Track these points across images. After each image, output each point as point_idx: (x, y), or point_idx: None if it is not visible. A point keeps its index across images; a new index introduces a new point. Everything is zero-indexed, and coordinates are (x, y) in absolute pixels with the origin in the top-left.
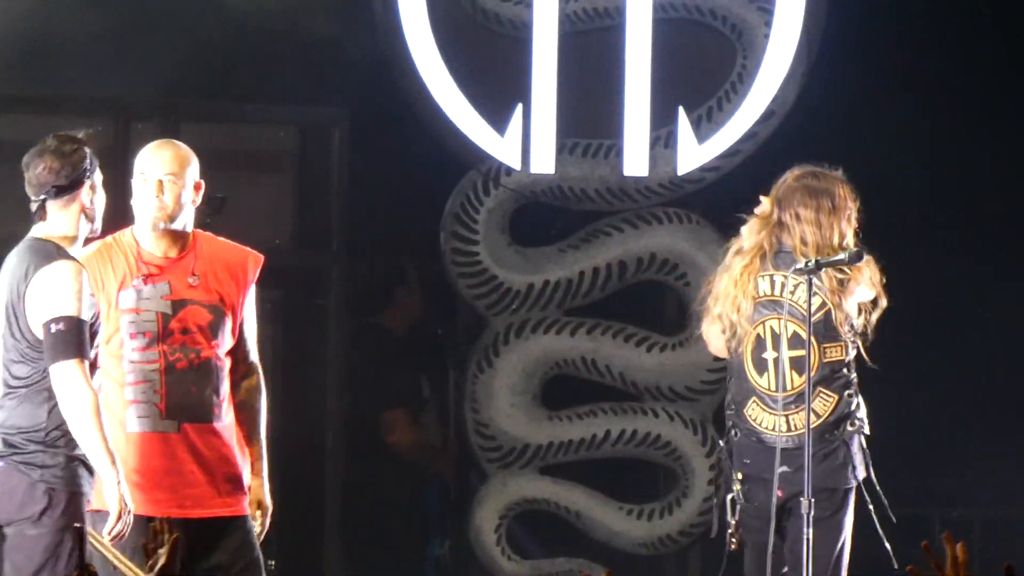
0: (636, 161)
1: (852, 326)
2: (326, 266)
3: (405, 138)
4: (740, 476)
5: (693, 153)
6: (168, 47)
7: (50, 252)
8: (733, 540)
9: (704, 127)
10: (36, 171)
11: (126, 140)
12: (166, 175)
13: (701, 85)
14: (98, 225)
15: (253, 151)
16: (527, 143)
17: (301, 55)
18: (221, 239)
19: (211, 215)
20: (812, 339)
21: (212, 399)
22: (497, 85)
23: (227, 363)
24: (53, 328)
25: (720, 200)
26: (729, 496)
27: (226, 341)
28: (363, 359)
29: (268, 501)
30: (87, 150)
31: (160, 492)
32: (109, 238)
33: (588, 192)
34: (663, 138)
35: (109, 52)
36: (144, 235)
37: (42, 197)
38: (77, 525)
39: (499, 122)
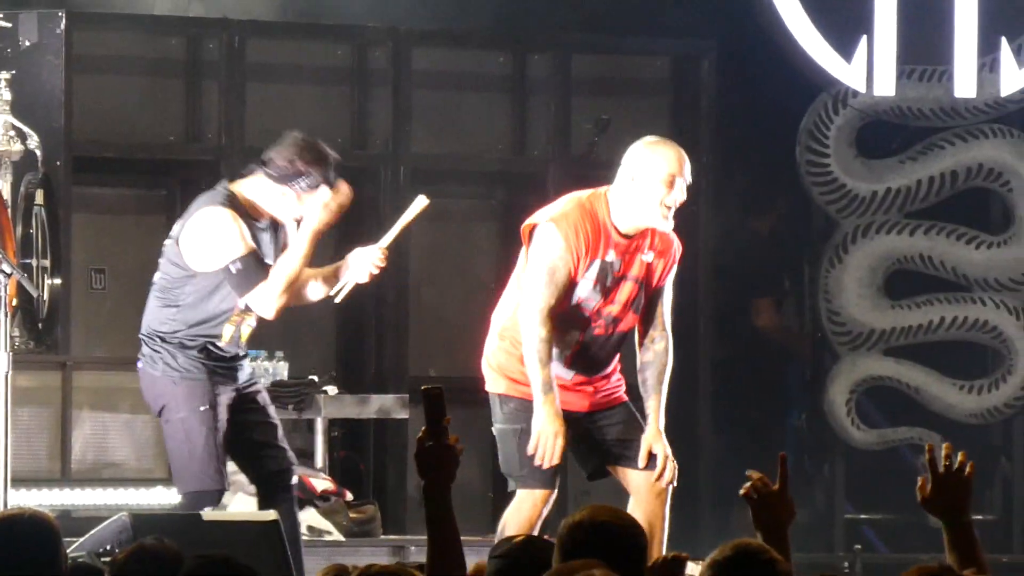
0: (965, 84)
1: None
2: (697, 175)
3: (764, 65)
4: None
5: (1014, 76)
6: None
7: (219, 197)
8: None
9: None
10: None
11: (522, 69)
12: (681, 178)
13: (1020, 17)
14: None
15: (633, 79)
16: (871, 69)
17: None
18: None
19: (597, 134)
20: None
21: (610, 359)
22: (844, 19)
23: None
24: (233, 269)
25: None
26: None
27: (640, 310)
28: (732, 255)
29: (665, 447)
30: (308, 166)
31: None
32: (587, 199)
33: (924, 111)
34: (988, 64)
35: None
36: (623, 221)
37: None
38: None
39: (846, 51)
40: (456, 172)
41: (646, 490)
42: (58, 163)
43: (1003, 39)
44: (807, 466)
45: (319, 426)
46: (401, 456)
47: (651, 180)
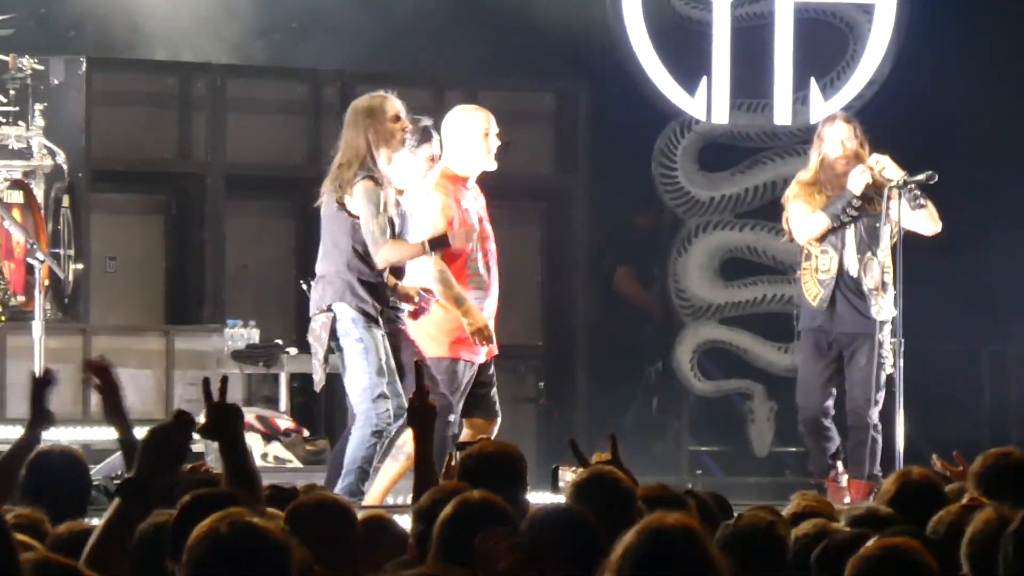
0: (783, 114)
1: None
2: (576, 185)
3: (628, 99)
4: None
5: (820, 108)
6: (475, 33)
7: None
8: None
9: (828, 91)
10: None
11: (441, 104)
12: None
13: (825, 62)
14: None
15: (525, 110)
16: (710, 102)
17: (559, 42)
18: None
19: (500, 156)
20: None
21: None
22: (689, 63)
23: None
24: None
25: None
26: None
27: None
28: (601, 246)
29: None
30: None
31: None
32: (443, 170)
33: (751, 135)
34: (800, 98)
35: (430, 36)
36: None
37: None
38: None
39: (691, 87)
40: None
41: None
42: (80, 175)
43: (812, 79)
44: (659, 409)
45: (283, 379)
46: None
47: (475, 136)
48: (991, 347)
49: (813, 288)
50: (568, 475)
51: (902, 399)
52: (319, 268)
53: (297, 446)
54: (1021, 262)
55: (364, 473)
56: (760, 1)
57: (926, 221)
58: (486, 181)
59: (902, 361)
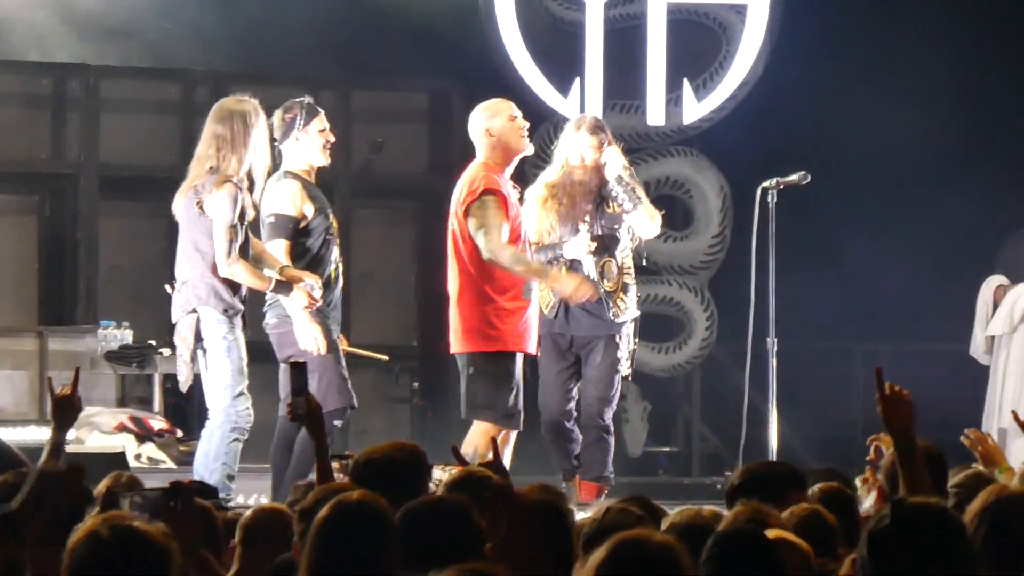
0: (656, 115)
1: None
2: (449, 185)
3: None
4: None
5: (693, 109)
6: (349, 33)
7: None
8: None
9: (701, 92)
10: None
11: (315, 104)
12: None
13: (698, 63)
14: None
15: (398, 109)
16: (583, 103)
17: (432, 42)
18: None
19: (372, 154)
20: None
21: None
22: (562, 64)
23: None
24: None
25: (712, 141)
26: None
27: None
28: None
29: None
30: (293, 113)
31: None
32: (483, 168)
33: (624, 136)
34: (673, 99)
35: (304, 36)
36: (507, 163)
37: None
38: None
39: (564, 89)
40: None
41: None
42: None
43: (685, 80)
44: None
45: (156, 380)
46: None
47: (504, 123)
48: (864, 346)
49: (546, 297)
50: (438, 473)
51: (775, 397)
52: (183, 273)
53: (171, 446)
54: (894, 262)
55: (229, 468)
56: (633, 2)
57: (643, 222)
58: (359, 181)
59: (775, 361)
